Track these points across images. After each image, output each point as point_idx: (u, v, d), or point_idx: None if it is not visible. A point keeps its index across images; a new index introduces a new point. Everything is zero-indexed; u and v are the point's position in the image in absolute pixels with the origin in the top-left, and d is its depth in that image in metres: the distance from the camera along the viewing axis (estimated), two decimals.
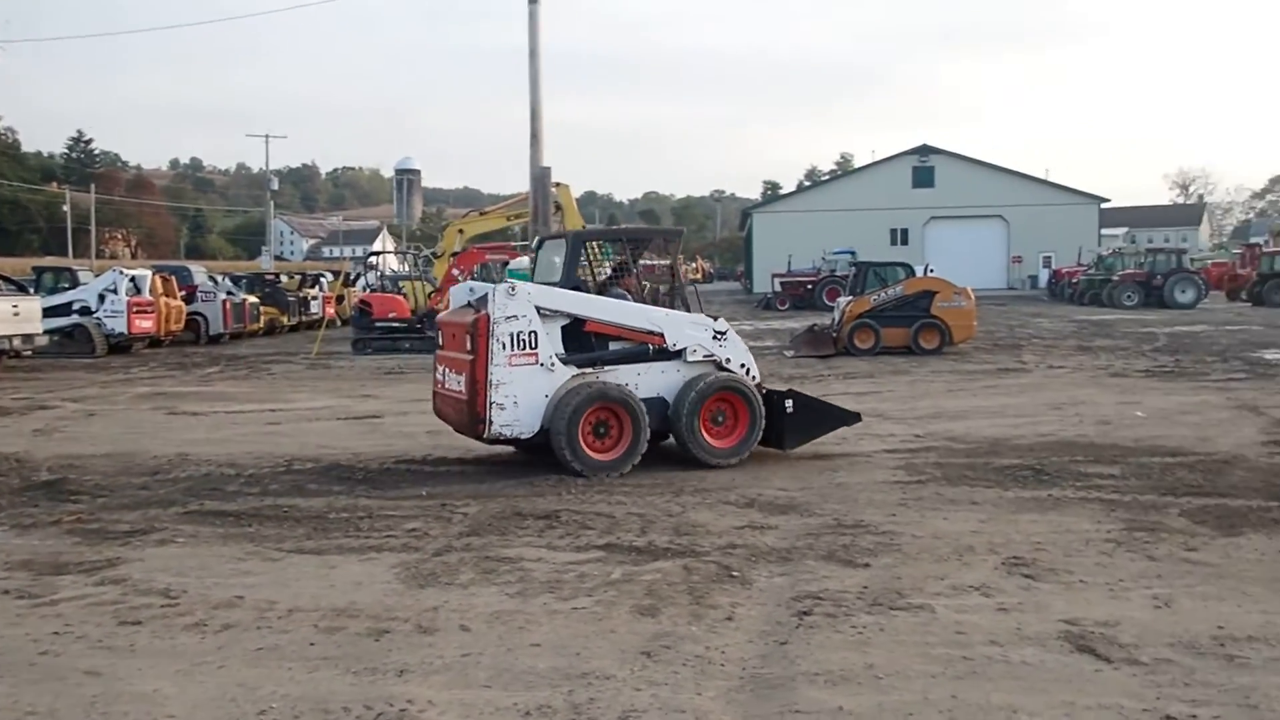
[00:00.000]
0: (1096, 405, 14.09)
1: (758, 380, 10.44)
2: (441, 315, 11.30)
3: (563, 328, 9.92)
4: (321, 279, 40.65)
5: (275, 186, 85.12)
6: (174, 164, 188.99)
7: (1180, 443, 11.00)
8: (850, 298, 23.88)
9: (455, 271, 27.67)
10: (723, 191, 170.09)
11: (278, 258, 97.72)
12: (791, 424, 10.34)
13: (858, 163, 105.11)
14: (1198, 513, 7.94)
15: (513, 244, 39.12)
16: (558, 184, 25.81)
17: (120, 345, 25.26)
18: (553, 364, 9.68)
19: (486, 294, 9.84)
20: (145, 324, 25.59)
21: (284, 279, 38.90)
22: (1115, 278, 43.67)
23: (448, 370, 10.23)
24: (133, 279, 25.79)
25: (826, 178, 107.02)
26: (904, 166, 68.48)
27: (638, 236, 11.77)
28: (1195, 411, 13.36)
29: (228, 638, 5.52)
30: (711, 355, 10.20)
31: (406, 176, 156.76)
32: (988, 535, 7.40)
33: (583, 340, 10.06)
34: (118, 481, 9.68)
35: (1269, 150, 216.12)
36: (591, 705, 4.62)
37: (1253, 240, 68.61)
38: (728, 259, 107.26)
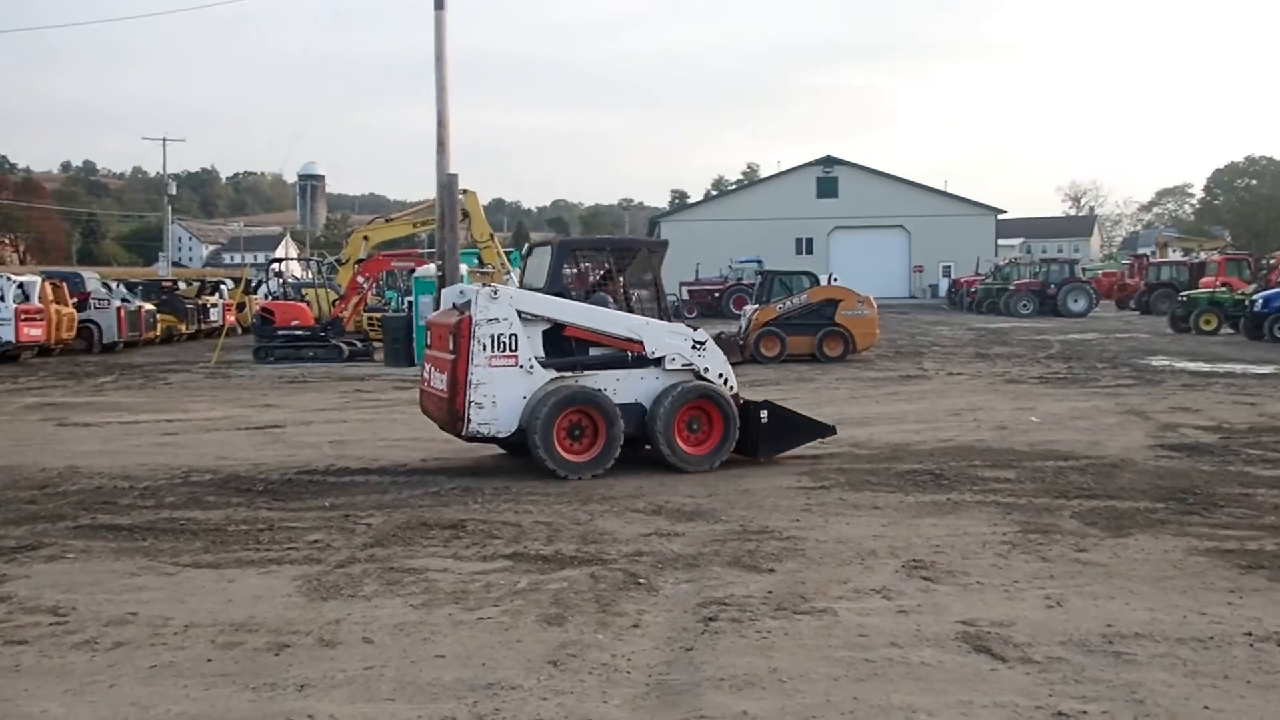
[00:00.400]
0: (993, 411, 14.46)
1: (735, 390, 10.57)
2: (430, 316, 11.71)
3: (545, 332, 10.17)
4: (222, 286, 39.78)
5: (173, 191, 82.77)
6: (66, 167, 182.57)
7: (1072, 447, 11.35)
8: (756, 306, 24.16)
9: (360, 279, 27.29)
10: (631, 200, 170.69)
11: (176, 264, 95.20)
12: (766, 434, 10.51)
13: (764, 173, 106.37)
14: (1088, 515, 8.20)
15: (419, 251, 38.72)
16: (465, 191, 25.60)
17: (8, 354, 24.35)
18: (531, 366, 9.92)
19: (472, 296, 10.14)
20: (34, 332, 24.74)
21: (182, 286, 37.99)
22: (1011, 287, 44.95)
23: (433, 369, 10.54)
24: (21, 285, 24.88)
25: (733, 187, 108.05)
26: (809, 177, 69.60)
27: (623, 247, 11.97)
28: (1086, 416, 13.80)
29: (120, 655, 5.36)
30: (690, 364, 10.35)
31: (310, 182, 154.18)
32: (889, 539, 7.54)
33: (564, 345, 10.31)
34: (3, 496, 9.32)
35: (1155, 165, 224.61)
36: (497, 716, 4.59)
37: (1140, 251, 71.14)
38: None
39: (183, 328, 32.67)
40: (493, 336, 9.80)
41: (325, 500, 9.06)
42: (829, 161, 69.62)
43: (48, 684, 4.99)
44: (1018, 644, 5.38)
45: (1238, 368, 20.54)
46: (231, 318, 34.60)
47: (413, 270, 29.06)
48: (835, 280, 25.72)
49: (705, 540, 7.56)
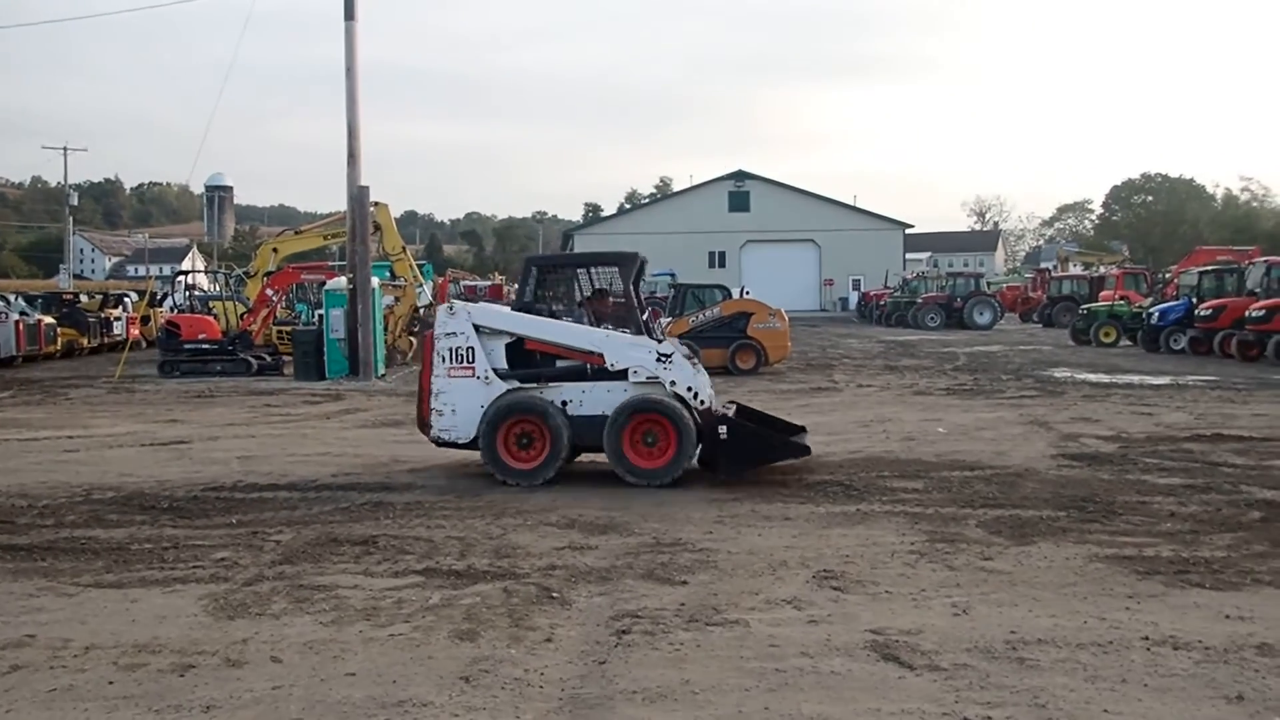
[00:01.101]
0: (902, 422, 14.72)
1: (707, 404, 10.32)
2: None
3: (510, 345, 10.55)
4: (125, 299, 38.76)
5: (75, 201, 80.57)
6: None
7: (978, 457, 11.60)
8: (670, 319, 24.28)
9: (269, 291, 26.82)
10: (545, 213, 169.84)
11: (77, 276, 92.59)
12: (726, 451, 10.20)
13: (677, 186, 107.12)
14: (993, 523, 8.40)
15: (330, 264, 38.19)
16: (376, 203, 25.37)
17: None
18: (488, 378, 10.35)
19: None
20: None
21: (84, 298, 36.94)
22: (919, 300, 45.81)
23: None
24: None
25: (647, 201, 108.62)
26: (721, 191, 70.25)
27: (599, 262, 11.89)
28: (991, 427, 14.11)
29: (16, 680, 5.20)
30: (655, 377, 10.30)
31: (218, 193, 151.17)
32: (800, 550, 7.64)
33: (529, 357, 10.65)
34: None
35: (1057, 181, 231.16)
36: None
37: (1043, 265, 72.98)
38: None
39: (84, 341, 31.74)
40: (450, 349, 10.39)
41: (232, 517, 8.88)
42: (741, 176, 70.37)
43: None
44: (925, 652, 5.49)
45: (1135, 379, 21.18)
46: (135, 331, 33.75)
47: (323, 283, 28.66)
48: (747, 293, 26.03)
49: (618, 553, 7.58)
